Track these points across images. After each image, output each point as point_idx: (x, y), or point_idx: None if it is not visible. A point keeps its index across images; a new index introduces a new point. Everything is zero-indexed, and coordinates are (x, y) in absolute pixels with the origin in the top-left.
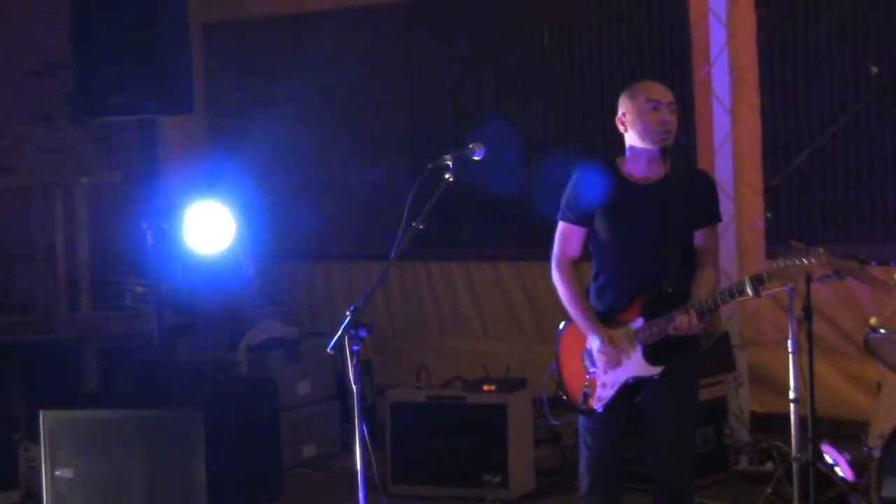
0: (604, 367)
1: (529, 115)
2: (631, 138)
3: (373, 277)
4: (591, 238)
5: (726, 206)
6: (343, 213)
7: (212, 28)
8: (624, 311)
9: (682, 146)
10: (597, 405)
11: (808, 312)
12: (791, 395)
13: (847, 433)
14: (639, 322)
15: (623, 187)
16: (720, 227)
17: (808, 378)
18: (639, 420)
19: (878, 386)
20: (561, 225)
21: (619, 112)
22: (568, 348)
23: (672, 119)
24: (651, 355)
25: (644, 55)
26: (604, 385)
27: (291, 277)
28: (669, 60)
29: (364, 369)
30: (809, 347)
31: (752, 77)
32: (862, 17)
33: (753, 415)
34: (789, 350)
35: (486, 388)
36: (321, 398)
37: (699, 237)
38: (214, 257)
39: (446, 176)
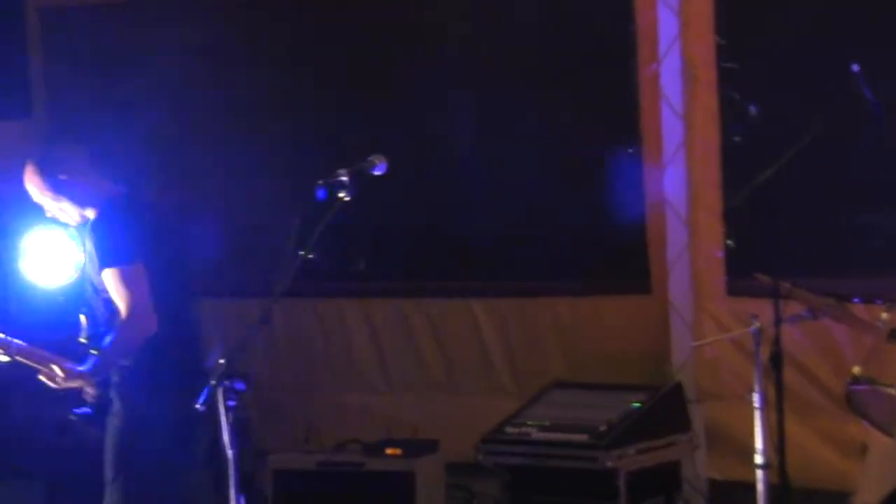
0: None
1: (442, 123)
2: None
3: (250, 319)
4: None
5: (679, 232)
6: (213, 240)
7: (52, 13)
8: None
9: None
10: None
11: (776, 360)
12: (758, 459)
13: None
14: None
15: None
16: (673, 255)
17: (778, 439)
18: None
19: (863, 448)
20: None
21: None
22: None
23: None
24: None
25: (580, 50)
26: None
27: None
28: (610, 56)
29: (241, 430)
30: (779, 402)
31: (709, 75)
32: (841, 4)
33: (712, 483)
34: (755, 405)
35: (389, 451)
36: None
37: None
38: (56, 293)
39: (341, 195)
